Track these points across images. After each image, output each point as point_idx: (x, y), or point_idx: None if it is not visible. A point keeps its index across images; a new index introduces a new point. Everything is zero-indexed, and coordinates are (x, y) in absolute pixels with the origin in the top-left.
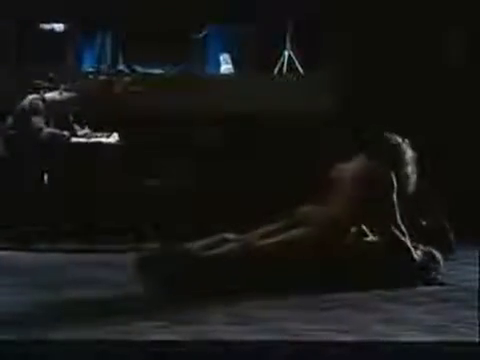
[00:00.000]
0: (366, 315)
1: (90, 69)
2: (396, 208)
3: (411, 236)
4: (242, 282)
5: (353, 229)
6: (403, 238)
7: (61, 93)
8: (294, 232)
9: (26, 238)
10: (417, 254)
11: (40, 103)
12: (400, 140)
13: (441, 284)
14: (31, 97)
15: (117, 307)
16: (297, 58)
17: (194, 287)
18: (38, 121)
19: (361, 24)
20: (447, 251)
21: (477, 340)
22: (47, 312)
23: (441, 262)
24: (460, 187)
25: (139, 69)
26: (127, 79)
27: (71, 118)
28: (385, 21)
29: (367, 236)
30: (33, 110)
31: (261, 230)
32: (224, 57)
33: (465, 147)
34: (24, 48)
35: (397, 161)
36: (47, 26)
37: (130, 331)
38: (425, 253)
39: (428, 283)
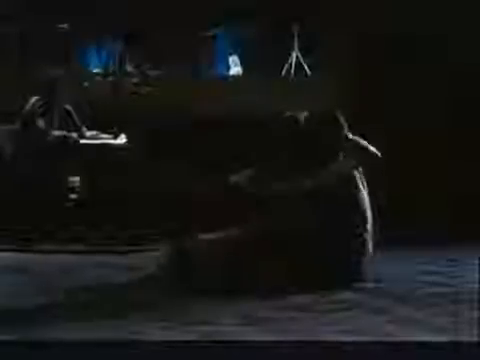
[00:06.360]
0: (373, 316)
1: (97, 70)
2: None
3: None
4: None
5: None
6: None
7: None
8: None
9: (30, 239)
10: None
11: None
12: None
13: None
14: (34, 98)
15: (119, 307)
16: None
17: None
18: (44, 123)
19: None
20: None
21: (477, 340)
22: (48, 312)
23: None
24: (460, 188)
25: (147, 71)
26: (134, 80)
27: (76, 117)
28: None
29: None
30: (38, 112)
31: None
32: (233, 59)
33: (466, 148)
34: (29, 49)
35: None
36: (54, 27)
37: (131, 331)
38: None
39: None
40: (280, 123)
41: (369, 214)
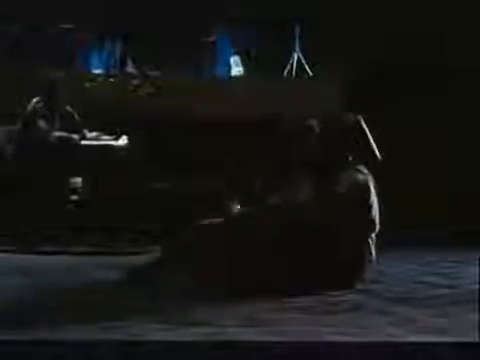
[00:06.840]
0: (375, 318)
1: (99, 71)
2: None
3: None
4: None
5: None
6: None
7: None
8: None
9: (32, 240)
10: None
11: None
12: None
13: None
14: (35, 100)
15: (120, 308)
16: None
17: None
18: (45, 124)
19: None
20: None
21: (477, 340)
22: (49, 313)
23: None
24: (460, 188)
25: (148, 72)
26: (136, 82)
27: (77, 119)
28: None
29: None
30: (39, 113)
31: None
32: (235, 60)
33: (466, 148)
34: (30, 49)
35: None
36: (55, 28)
37: (133, 332)
38: None
39: None
40: (294, 130)
41: (377, 220)
